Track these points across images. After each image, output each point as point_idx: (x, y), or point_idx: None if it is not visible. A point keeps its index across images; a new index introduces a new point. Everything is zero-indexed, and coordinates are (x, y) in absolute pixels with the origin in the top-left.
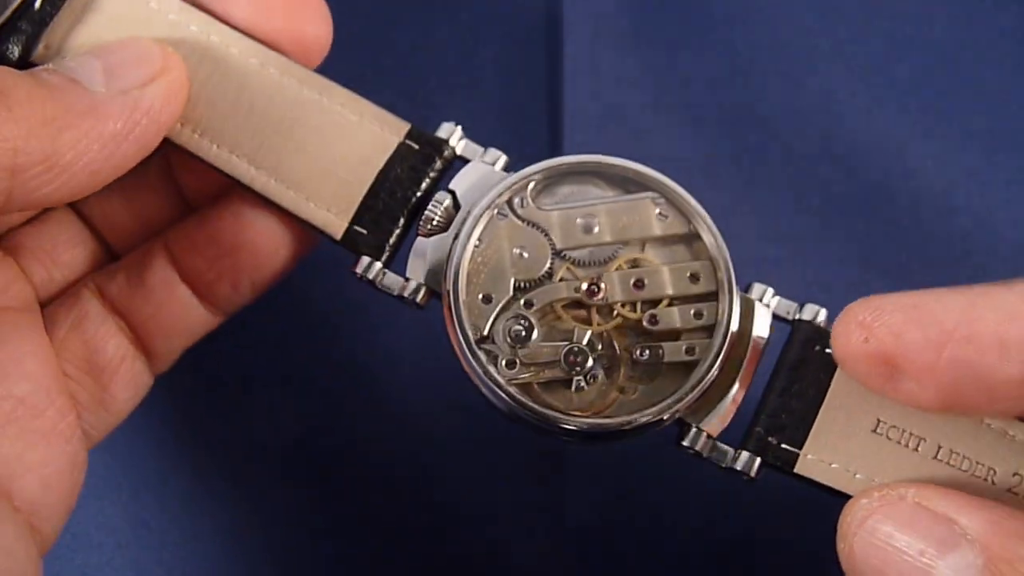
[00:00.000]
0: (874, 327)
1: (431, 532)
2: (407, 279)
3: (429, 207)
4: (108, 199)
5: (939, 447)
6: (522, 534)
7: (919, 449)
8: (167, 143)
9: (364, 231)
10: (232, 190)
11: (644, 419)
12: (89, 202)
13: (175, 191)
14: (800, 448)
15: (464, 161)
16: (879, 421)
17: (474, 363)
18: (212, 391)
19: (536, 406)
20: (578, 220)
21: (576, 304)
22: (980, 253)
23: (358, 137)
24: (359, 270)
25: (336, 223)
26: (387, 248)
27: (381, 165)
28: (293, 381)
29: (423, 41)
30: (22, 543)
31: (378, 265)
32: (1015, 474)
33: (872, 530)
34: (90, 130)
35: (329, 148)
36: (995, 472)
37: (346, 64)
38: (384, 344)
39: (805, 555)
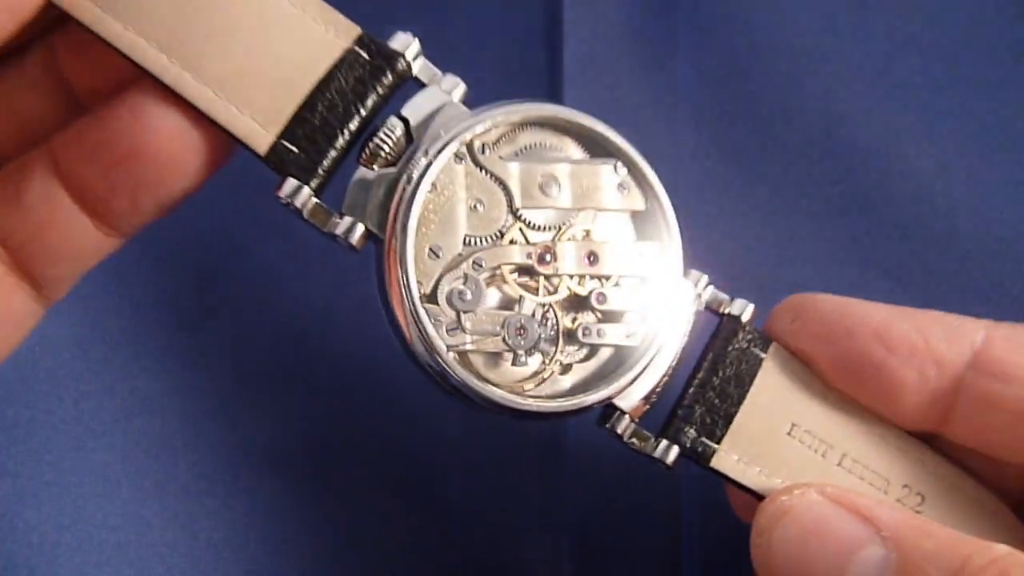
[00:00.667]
0: (803, 312)
1: (431, 532)
2: (341, 215)
3: (379, 134)
4: None
5: (843, 455)
6: (522, 534)
7: (826, 456)
8: (62, 24)
9: (294, 148)
10: (132, 86)
11: (576, 406)
12: None
13: (62, 90)
14: (718, 443)
15: (417, 83)
16: (794, 425)
17: (415, 322)
18: (212, 390)
19: (475, 382)
20: (539, 178)
21: (525, 270)
22: (980, 253)
23: (298, 35)
24: (283, 194)
25: (261, 135)
26: (320, 172)
27: (322, 73)
28: (293, 380)
29: (423, 41)
30: None
31: (307, 191)
32: (904, 485)
33: (787, 527)
34: None
35: (261, 44)
36: (888, 483)
37: None
38: (384, 343)
39: None
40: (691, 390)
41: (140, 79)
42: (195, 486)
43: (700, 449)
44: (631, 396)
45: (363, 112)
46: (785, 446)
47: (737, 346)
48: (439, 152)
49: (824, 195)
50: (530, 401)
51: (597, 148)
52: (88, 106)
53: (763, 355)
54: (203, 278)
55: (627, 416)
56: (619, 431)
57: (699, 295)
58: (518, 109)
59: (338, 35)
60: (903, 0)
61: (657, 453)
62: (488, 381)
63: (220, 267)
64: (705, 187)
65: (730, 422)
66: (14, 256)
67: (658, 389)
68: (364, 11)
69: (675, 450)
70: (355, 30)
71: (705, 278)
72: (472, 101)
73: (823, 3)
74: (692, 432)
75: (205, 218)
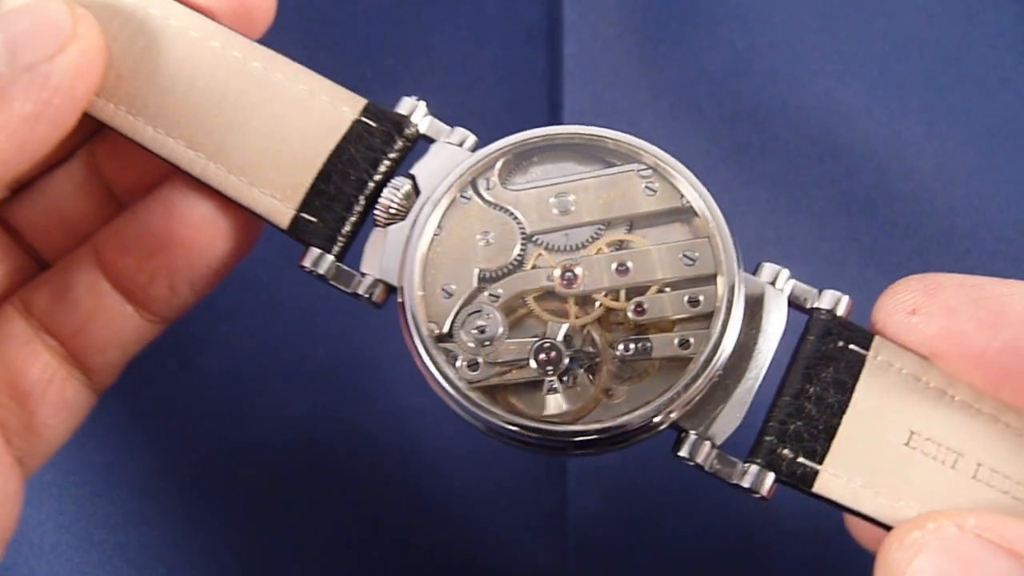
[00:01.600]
0: (926, 301)
1: (431, 532)
2: (363, 274)
3: (385, 192)
4: (30, 203)
5: (979, 465)
6: (523, 533)
7: (956, 467)
8: (97, 125)
9: (313, 219)
10: (163, 182)
11: (624, 424)
12: (10, 209)
13: (103, 189)
14: (820, 463)
15: (429, 142)
16: (912, 433)
17: (429, 364)
18: (211, 391)
19: (495, 412)
20: (552, 199)
21: (551, 295)
22: (980, 253)
23: (308, 114)
24: (307, 263)
25: (281, 210)
26: (339, 238)
27: (333, 145)
28: (293, 381)
29: (423, 41)
30: None
31: (329, 258)
32: None
33: (925, 569)
34: None
35: (275, 126)
36: None
37: (347, 65)
38: (384, 344)
39: (810, 559)
40: (782, 401)
41: (171, 174)
42: (195, 485)
43: (799, 472)
44: (704, 416)
45: (377, 177)
46: (905, 460)
47: (832, 345)
48: (441, 196)
49: (824, 195)
50: (562, 427)
51: (612, 156)
52: (126, 203)
53: (865, 352)
54: None
55: (706, 442)
56: (698, 460)
57: (780, 290)
58: (513, 139)
59: (346, 108)
60: (903, 0)
61: (747, 482)
62: (516, 411)
63: None
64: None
65: (832, 436)
66: (66, 347)
67: (736, 405)
68: (366, 12)
69: (770, 476)
70: (361, 102)
71: (785, 272)
72: (472, 101)
73: (823, 3)
74: (787, 452)
75: None
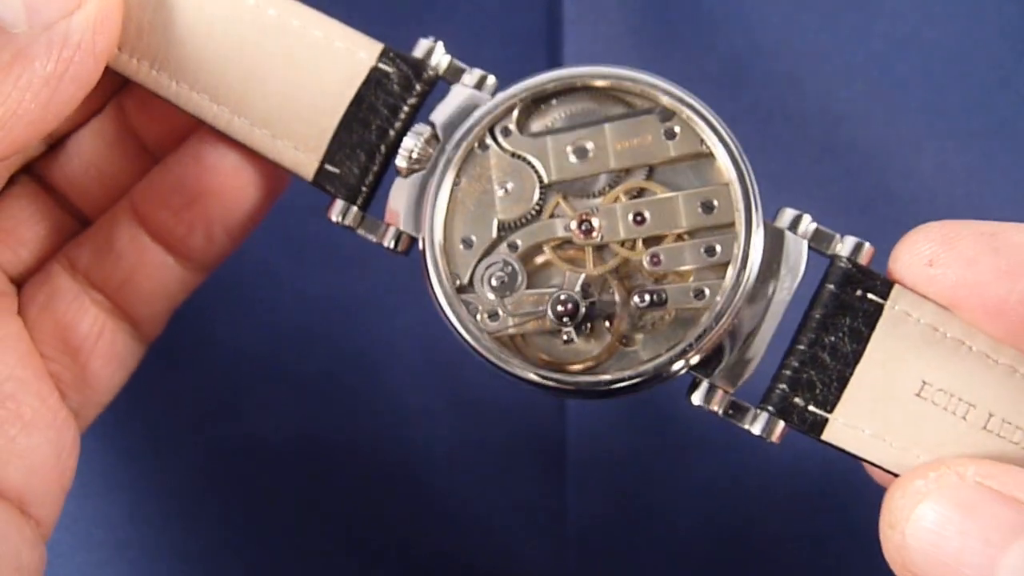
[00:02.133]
0: (944, 252)
1: (431, 532)
2: (386, 224)
3: (406, 141)
4: (65, 160)
5: (990, 415)
6: (523, 533)
7: (967, 418)
8: (127, 85)
9: (337, 170)
10: (192, 132)
11: (639, 375)
12: (47, 167)
13: (135, 143)
14: (830, 412)
15: (448, 83)
16: (924, 384)
17: (451, 315)
18: (211, 391)
19: (513, 362)
20: (570, 146)
21: (569, 244)
22: None
23: (326, 61)
24: (334, 216)
25: (306, 163)
26: (363, 188)
27: (352, 94)
28: (293, 380)
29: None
30: (13, 528)
31: (354, 209)
32: None
33: (926, 516)
34: (18, 80)
35: (295, 76)
36: None
37: None
38: (384, 343)
39: (807, 553)
40: (796, 351)
41: (197, 126)
42: (195, 485)
43: (810, 420)
44: (718, 362)
45: (397, 124)
46: (916, 410)
47: (850, 293)
48: (459, 144)
49: (824, 194)
50: (572, 377)
51: (632, 98)
52: (159, 155)
53: (883, 302)
54: None
55: (719, 390)
56: (710, 405)
57: (802, 236)
58: (530, 83)
59: (363, 54)
60: (903, 0)
61: (757, 428)
62: (538, 360)
63: (220, 267)
64: None
65: (845, 385)
66: (113, 301)
67: (752, 353)
68: (365, 11)
69: (780, 424)
70: (377, 47)
71: (807, 217)
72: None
73: (823, 3)
74: (799, 400)
75: None
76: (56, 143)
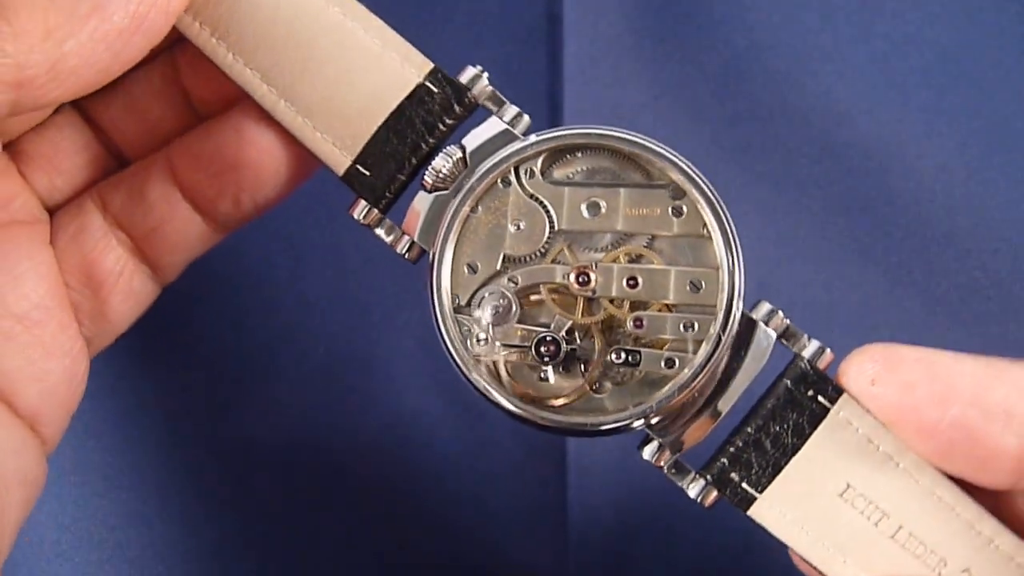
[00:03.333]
0: (885, 373)
1: (431, 532)
2: (402, 232)
3: (436, 160)
4: (112, 100)
5: (900, 527)
6: (523, 533)
7: (879, 525)
8: (183, 41)
9: (367, 172)
10: (238, 102)
11: (599, 426)
12: (93, 105)
13: (182, 98)
14: (760, 493)
15: (487, 112)
16: (848, 486)
17: (444, 332)
18: (211, 390)
19: (490, 386)
20: (585, 201)
21: (564, 290)
22: (980, 252)
23: (377, 69)
24: (355, 214)
25: (340, 159)
26: (387, 194)
27: (395, 105)
28: (293, 380)
29: (422, 40)
30: (27, 445)
31: (375, 212)
32: (964, 570)
33: None
34: (94, 32)
35: (345, 76)
36: (945, 564)
37: None
38: (384, 343)
39: None
40: (744, 431)
41: (243, 98)
42: (195, 485)
43: (741, 495)
44: (673, 426)
45: (431, 141)
46: (835, 508)
47: (803, 392)
48: (484, 176)
49: (824, 194)
50: (545, 414)
51: (653, 169)
52: (203, 113)
53: (830, 407)
54: (202, 278)
55: (667, 449)
56: (655, 461)
57: (769, 330)
58: (560, 133)
59: (412, 69)
60: (903, 0)
61: (693, 492)
62: (515, 391)
63: (220, 267)
64: None
65: (778, 473)
66: (137, 244)
67: (703, 425)
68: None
69: (714, 492)
70: (428, 65)
71: (780, 313)
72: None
73: (823, 3)
74: (735, 476)
75: None
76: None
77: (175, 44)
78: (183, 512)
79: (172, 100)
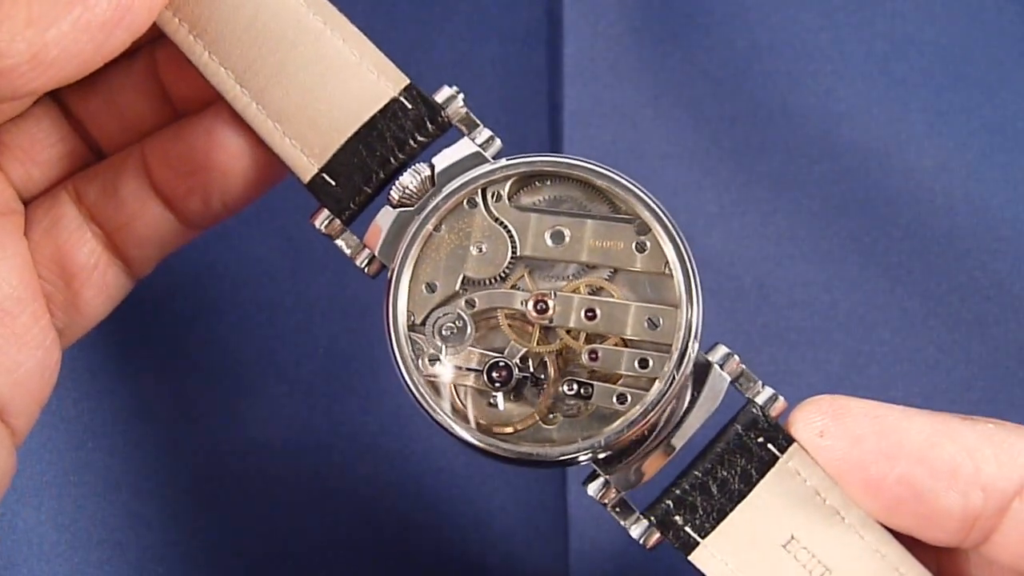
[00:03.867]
0: (833, 425)
1: (431, 532)
2: (363, 245)
3: (404, 176)
4: (91, 96)
5: None
6: (523, 533)
7: None
8: (164, 37)
9: (332, 182)
10: (213, 102)
11: (545, 457)
12: (72, 98)
13: (160, 94)
14: (703, 538)
15: (459, 132)
16: (792, 538)
17: (395, 347)
18: (211, 391)
19: (437, 408)
20: (549, 229)
21: (521, 317)
22: (980, 252)
23: (352, 80)
24: (317, 222)
25: (306, 166)
26: (351, 206)
27: (367, 117)
28: (293, 380)
29: (422, 40)
30: None
31: (337, 222)
32: None
33: None
34: (77, 21)
35: (320, 84)
36: None
37: None
38: (384, 343)
39: None
40: (691, 474)
41: (219, 99)
42: (195, 486)
43: (683, 539)
44: (619, 464)
45: (400, 157)
46: (777, 559)
47: (752, 438)
48: (450, 195)
49: (824, 195)
50: (492, 440)
51: (620, 203)
52: (182, 110)
53: (779, 455)
54: (202, 278)
55: (612, 487)
56: (600, 498)
57: (724, 374)
58: (530, 159)
59: (388, 84)
60: (903, 0)
61: (635, 532)
62: (462, 416)
63: (220, 267)
64: (705, 187)
65: (723, 519)
66: (109, 238)
67: (651, 464)
68: (364, 10)
69: (656, 534)
70: (403, 81)
71: (735, 358)
72: (472, 101)
73: (823, 3)
74: (679, 519)
75: None
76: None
77: (156, 40)
78: (183, 513)
79: (151, 96)
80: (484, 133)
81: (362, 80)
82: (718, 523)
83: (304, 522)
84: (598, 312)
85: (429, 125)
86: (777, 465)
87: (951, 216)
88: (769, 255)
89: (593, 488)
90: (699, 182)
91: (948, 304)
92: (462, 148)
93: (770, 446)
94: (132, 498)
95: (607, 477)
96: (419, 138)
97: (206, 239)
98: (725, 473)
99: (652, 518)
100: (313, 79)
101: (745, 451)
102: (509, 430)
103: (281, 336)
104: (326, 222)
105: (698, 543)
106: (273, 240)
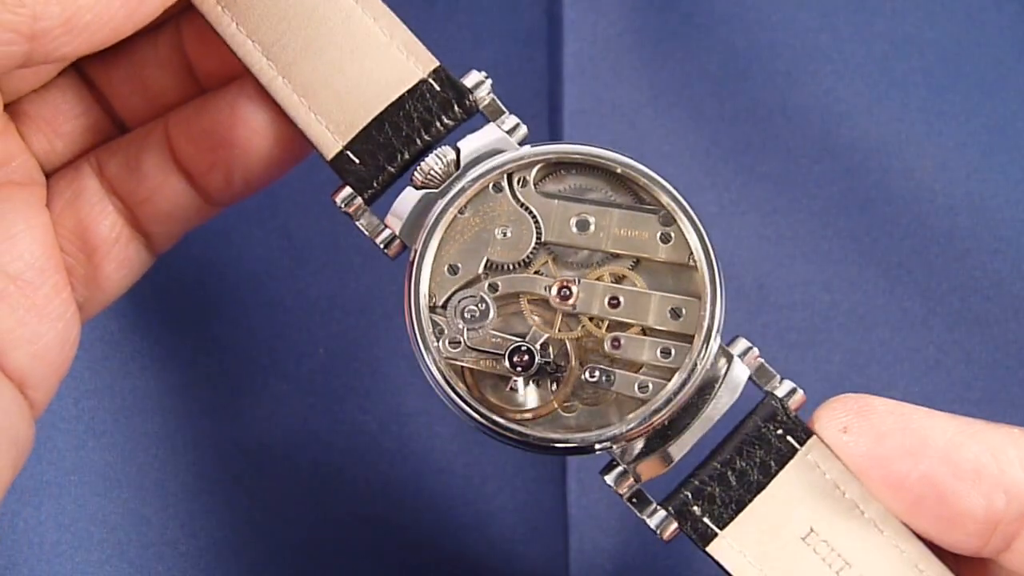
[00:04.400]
0: (857, 422)
1: (431, 532)
2: (385, 225)
3: (429, 158)
4: (115, 69)
5: None
6: (523, 533)
7: (839, 573)
8: (191, 10)
9: (356, 160)
10: (238, 78)
11: (563, 443)
12: (96, 70)
13: (185, 69)
14: (721, 529)
15: (484, 118)
16: (812, 530)
17: (416, 328)
18: (211, 389)
19: (456, 389)
20: (575, 217)
21: (543, 303)
22: (980, 252)
23: (381, 59)
24: (339, 199)
25: (330, 142)
26: (374, 185)
27: (395, 97)
28: (293, 378)
29: (422, 39)
30: (16, 406)
31: (359, 200)
32: None
33: None
34: None
35: (348, 61)
36: None
37: None
38: (384, 343)
39: None
40: (710, 464)
41: (244, 74)
42: (195, 485)
43: (701, 530)
44: (635, 453)
45: (426, 138)
46: (795, 552)
47: (772, 430)
48: (476, 179)
49: (824, 194)
50: (511, 425)
51: (645, 195)
52: (206, 86)
53: (798, 447)
54: (202, 277)
55: (630, 476)
56: (617, 488)
57: (742, 366)
58: (557, 148)
59: (417, 65)
60: (903, 0)
61: (653, 523)
62: (479, 398)
63: (220, 267)
64: (705, 187)
65: (741, 510)
66: (131, 212)
67: (673, 454)
68: None
69: (673, 524)
70: (433, 63)
71: (755, 351)
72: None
73: (823, 3)
74: (697, 509)
75: None
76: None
77: (183, 13)
78: (183, 512)
79: (175, 70)
80: (511, 120)
81: (391, 60)
82: (737, 513)
83: (304, 521)
84: (622, 300)
85: (456, 108)
86: (796, 457)
87: (951, 216)
88: (769, 255)
89: (611, 478)
90: (699, 182)
91: (948, 304)
92: (488, 133)
93: (789, 438)
94: (132, 497)
95: (625, 467)
96: (446, 120)
97: (206, 239)
98: (744, 464)
99: (670, 508)
100: (342, 56)
101: (764, 443)
102: (528, 416)
103: (281, 336)
104: (348, 200)
105: (716, 534)
106: (273, 240)
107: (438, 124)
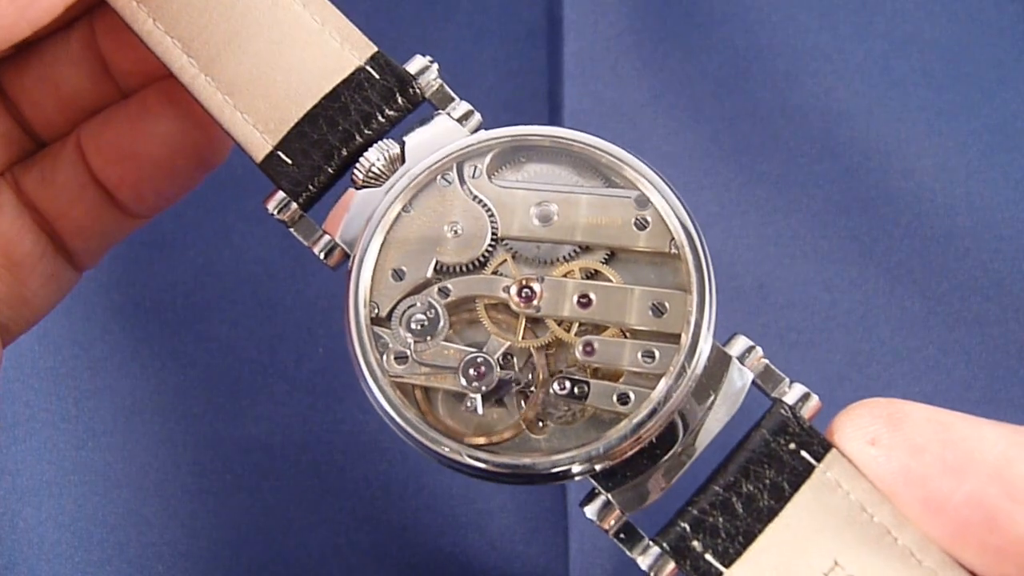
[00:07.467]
0: (888, 433)
1: (431, 532)
2: (323, 232)
3: (369, 153)
4: (25, 69)
5: None
6: (523, 533)
7: None
8: (103, 5)
9: (288, 160)
10: (159, 77)
11: (531, 469)
12: (5, 74)
13: (99, 66)
14: (727, 567)
15: (433, 107)
16: (836, 564)
17: (356, 344)
18: (211, 389)
19: (401, 412)
20: (535, 207)
21: (503, 307)
22: (980, 251)
23: (312, 48)
24: (270, 206)
25: (259, 143)
26: (310, 188)
27: (329, 88)
28: (293, 379)
29: (423, 39)
30: None
31: (293, 206)
32: None
33: None
34: None
35: (276, 53)
36: None
37: None
38: None
39: None
40: (710, 490)
41: (157, 80)
42: (195, 485)
43: (703, 569)
44: (622, 479)
45: (366, 133)
46: None
47: (783, 445)
48: (420, 172)
49: (824, 194)
50: (469, 452)
51: (614, 176)
52: (125, 86)
53: (816, 464)
54: (202, 278)
55: (616, 508)
56: (601, 523)
57: (745, 370)
58: (512, 131)
59: (352, 52)
60: (903, 0)
61: (644, 562)
62: (424, 420)
63: (219, 267)
64: (705, 186)
65: (751, 542)
66: (51, 227)
67: (660, 479)
68: (365, 11)
69: (671, 565)
70: (370, 48)
71: (758, 350)
72: (472, 100)
73: (823, 3)
74: (697, 545)
75: (204, 218)
76: (16, 49)
77: (94, 8)
78: (183, 512)
79: (89, 70)
80: (462, 106)
81: (324, 48)
82: (745, 548)
83: (304, 521)
84: (594, 298)
85: (399, 98)
86: (814, 476)
87: (951, 216)
88: (769, 255)
89: (591, 510)
90: (699, 182)
91: (948, 304)
92: (439, 124)
93: (804, 454)
94: (132, 497)
95: (608, 496)
96: (388, 112)
97: (206, 239)
98: (751, 487)
99: (664, 545)
100: (269, 47)
101: (775, 460)
102: (490, 440)
103: (281, 336)
104: (280, 206)
105: (721, 573)
106: (273, 240)
107: (379, 116)
